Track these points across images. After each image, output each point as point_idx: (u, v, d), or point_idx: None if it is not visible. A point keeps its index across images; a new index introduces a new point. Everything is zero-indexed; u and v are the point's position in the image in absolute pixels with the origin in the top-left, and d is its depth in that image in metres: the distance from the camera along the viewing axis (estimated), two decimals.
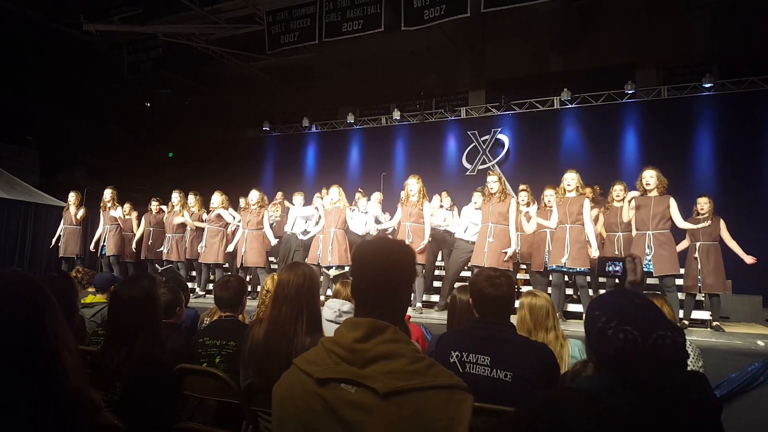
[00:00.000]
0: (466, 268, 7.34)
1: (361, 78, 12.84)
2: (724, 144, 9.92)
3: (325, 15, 8.80)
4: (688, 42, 10.30)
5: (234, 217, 8.65)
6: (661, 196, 6.07)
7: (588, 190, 7.74)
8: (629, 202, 6.38)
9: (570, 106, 11.21)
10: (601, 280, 7.32)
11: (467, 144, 12.33)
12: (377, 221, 8.47)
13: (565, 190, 6.55)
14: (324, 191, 8.40)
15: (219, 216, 8.58)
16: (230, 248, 8.44)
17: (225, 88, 13.71)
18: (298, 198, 8.93)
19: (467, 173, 12.07)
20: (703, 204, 6.56)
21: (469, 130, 12.31)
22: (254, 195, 8.37)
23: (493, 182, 6.81)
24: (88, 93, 13.17)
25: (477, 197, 7.26)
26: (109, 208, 9.45)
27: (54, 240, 9.69)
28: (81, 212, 9.64)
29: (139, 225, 9.66)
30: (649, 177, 6.10)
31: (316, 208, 8.57)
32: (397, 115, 12.60)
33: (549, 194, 7.13)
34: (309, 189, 10.19)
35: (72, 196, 9.67)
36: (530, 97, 11.62)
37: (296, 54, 11.03)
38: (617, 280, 1.88)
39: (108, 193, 9.54)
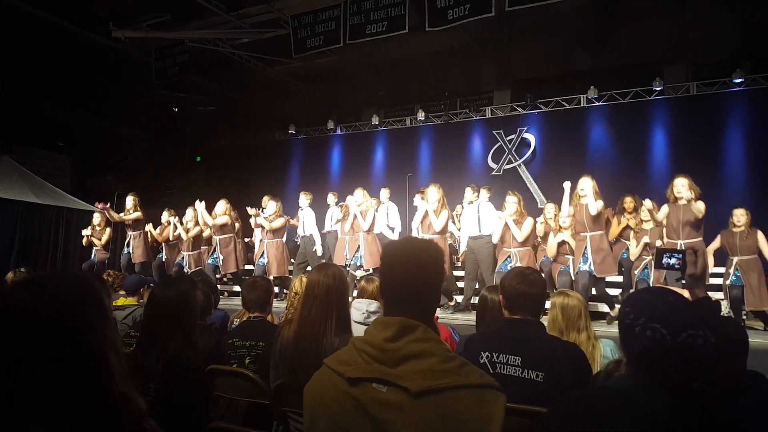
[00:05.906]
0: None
1: (385, 79, 12.84)
2: (756, 141, 9.63)
3: (350, 17, 8.80)
4: (718, 36, 10.01)
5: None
6: (689, 203, 5.64)
7: (628, 199, 7.42)
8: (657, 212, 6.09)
9: (597, 104, 11.04)
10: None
11: (492, 144, 12.22)
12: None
13: (579, 196, 6.28)
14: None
15: (224, 224, 8.35)
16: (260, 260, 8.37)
17: (251, 92, 13.83)
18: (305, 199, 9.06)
19: (493, 173, 11.97)
20: (740, 216, 6.13)
21: (494, 129, 12.21)
22: (272, 205, 8.36)
23: (512, 202, 6.66)
24: (118, 98, 13.38)
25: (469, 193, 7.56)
26: (130, 210, 9.03)
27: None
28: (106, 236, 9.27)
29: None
30: (680, 185, 5.72)
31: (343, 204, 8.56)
32: (421, 115, 12.56)
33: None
34: (334, 191, 10.19)
35: (96, 217, 9.39)
36: (556, 95, 11.47)
37: (320, 57, 11.07)
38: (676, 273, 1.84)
39: (130, 200, 9.16)
